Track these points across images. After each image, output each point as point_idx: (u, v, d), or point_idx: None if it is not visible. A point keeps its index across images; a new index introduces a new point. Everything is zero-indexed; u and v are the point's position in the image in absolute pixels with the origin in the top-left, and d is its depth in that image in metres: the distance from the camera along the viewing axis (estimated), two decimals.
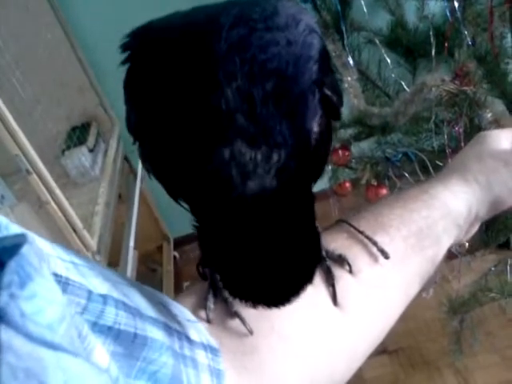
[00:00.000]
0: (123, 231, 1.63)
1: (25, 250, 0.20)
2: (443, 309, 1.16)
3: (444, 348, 1.31)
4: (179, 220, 1.51)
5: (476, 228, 0.53)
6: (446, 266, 1.20)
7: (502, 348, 1.44)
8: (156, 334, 0.30)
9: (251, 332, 0.37)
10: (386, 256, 0.42)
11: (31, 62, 1.49)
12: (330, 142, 0.43)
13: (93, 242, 1.35)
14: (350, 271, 0.41)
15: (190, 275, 2.05)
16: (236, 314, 0.37)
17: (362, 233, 0.43)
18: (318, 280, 0.40)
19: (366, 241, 0.43)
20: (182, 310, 0.37)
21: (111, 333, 0.27)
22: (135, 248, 1.56)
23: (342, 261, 0.41)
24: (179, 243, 2.23)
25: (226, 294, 0.39)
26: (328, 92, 0.38)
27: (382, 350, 1.54)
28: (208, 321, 0.38)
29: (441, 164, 1.02)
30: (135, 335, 0.28)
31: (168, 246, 2.21)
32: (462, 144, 0.90)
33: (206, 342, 0.35)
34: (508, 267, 1.14)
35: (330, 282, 0.40)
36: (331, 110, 0.39)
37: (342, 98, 0.42)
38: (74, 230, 1.31)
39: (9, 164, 1.36)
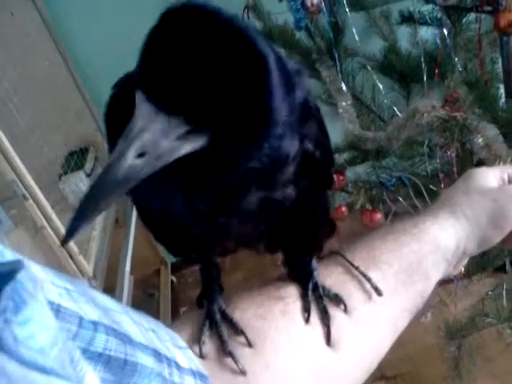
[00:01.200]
0: (119, 257, 1.62)
1: (20, 275, 0.21)
2: (441, 333, 1.15)
3: (443, 373, 1.29)
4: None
5: (464, 263, 0.54)
6: (443, 290, 1.19)
7: (500, 374, 1.42)
8: (146, 360, 0.30)
9: (244, 372, 0.37)
10: (379, 293, 0.43)
11: (29, 88, 1.51)
12: (317, 203, 0.43)
13: (89, 268, 1.35)
14: (345, 311, 0.42)
15: (187, 300, 2.03)
16: (230, 354, 0.38)
17: (356, 268, 0.44)
18: (314, 319, 0.40)
19: (360, 277, 0.44)
20: (173, 336, 0.37)
21: (101, 359, 0.27)
22: (131, 273, 1.55)
23: (338, 301, 0.42)
24: (177, 267, 2.22)
25: (222, 329, 0.40)
26: (309, 146, 0.37)
27: (380, 376, 1.52)
28: (201, 356, 0.38)
29: (434, 188, 1.02)
30: (125, 361, 0.28)
31: (165, 270, 2.20)
32: (455, 169, 0.91)
33: (195, 368, 0.35)
34: (504, 291, 1.14)
35: (326, 322, 0.41)
36: (316, 167, 0.39)
37: (330, 157, 0.42)
38: (70, 256, 1.31)
39: (5, 189, 1.37)
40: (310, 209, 0.42)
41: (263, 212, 0.37)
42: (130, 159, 0.27)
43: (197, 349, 0.38)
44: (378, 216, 1.13)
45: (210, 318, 0.41)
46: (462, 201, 0.51)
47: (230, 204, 0.36)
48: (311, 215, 0.43)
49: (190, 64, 0.28)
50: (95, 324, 0.28)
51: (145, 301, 2.05)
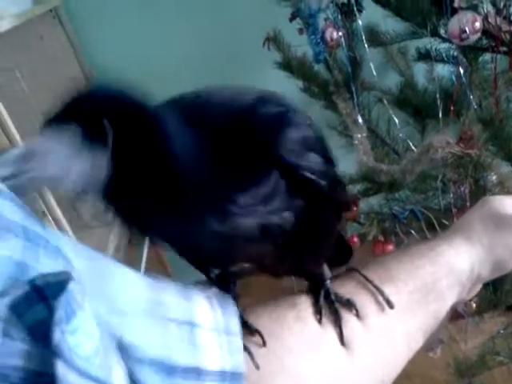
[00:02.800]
0: None
1: (71, 286, 0.22)
2: (450, 370, 1.14)
3: None
4: (187, 266, 1.52)
5: (478, 288, 0.54)
6: (453, 326, 1.18)
7: None
8: None
9: (258, 367, 0.38)
10: (391, 306, 0.44)
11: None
12: (320, 228, 0.44)
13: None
14: (357, 315, 0.43)
15: None
16: (245, 348, 0.39)
17: (370, 282, 0.45)
18: (326, 321, 0.42)
19: (373, 290, 0.45)
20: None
21: None
22: None
23: (349, 305, 0.43)
24: None
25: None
26: (308, 175, 0.39)
27: None
28: None
29: (447, 223, 1.03)
30: None
31: None
32: (468, 204, 0.92)
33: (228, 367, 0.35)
34: None
35: (338, 323, 0.42)
36: (316, 193, 0.41)
37: (335, 185, 0.43)
38: None
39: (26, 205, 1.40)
40: (313, 229, 0.43)
41: (264, 235, 0.39)
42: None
43: None
44: (390, 248, 1.13)
45: None
46: (477, 227, 0.52)
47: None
48: (315, 234, 0.44)
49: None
50: None
51: None
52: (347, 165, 1.18)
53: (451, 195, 1.00)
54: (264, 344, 0.39)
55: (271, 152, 0.37)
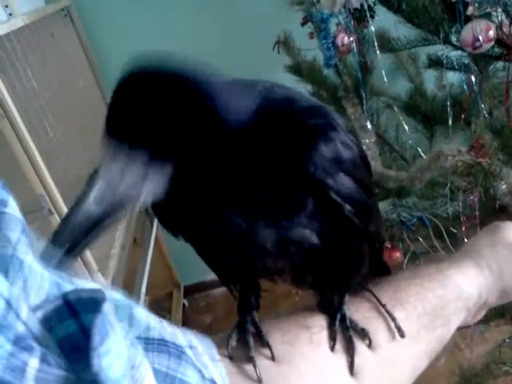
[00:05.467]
0: (135, 276, 1.64)
1: (106, 307, 0.22)
2: (455, 379, 1.13)
3: None
4: (191, 267, 1.52)
5: (483, 313, 0.55)
6: (458, 334, 1.18)
7: None
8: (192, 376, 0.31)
9: (260, 380, 0.38)
10: (401, 334, 0.44)
11: (63, 107, 1.57)
12: (346, 251, 0.44)
13: (106, 285, 1.36)
14: (370, 346, 0.43)
15: (198, 324, 2.03)
16: (251, 359, 0.39)
17: (383, 306, 0.45)
18: (339, 348, 0.41)
19: (386, 315, 0.45)
20: (210, 346, 0.38)
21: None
22: (146, 294, 1.56)
23: (364, 335, 0.43)
24: (189, 291, 2.22)
25: (250, 337, 0.41)
26: (335, 197, 0.39)
27: None
28: (230, 357, 0.39)
29: (455, 231, 1.03)
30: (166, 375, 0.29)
31: (178, 293, 2.20)
32: (477, 213, 0.91)
33: None
34: None
35: (350, 352, 0.42)
36: (342, 218, 0.40)
37: (366, 215, 0.42)
38: (89, 272, 1.33)
39: (32, 202, 1.40)
40: (337, 255, 0.43)
41: (281, 249, 0.39)
42: (91, 205, 0.30)
43: (224, 351, 0.39)
44: (397, 254, 1.13)
45: (241, 326, 0.42)
46: (487, 253, 0.53)
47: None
48: (339, 261, 0.44)
49: (143, 106, 0.32)
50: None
51: None
52: None
53: (460, 203, 0.99)
54: (273, 358, 0.39)
55: (300, 163, 0.37)
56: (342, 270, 0.45)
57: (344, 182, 0.39)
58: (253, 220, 0.37)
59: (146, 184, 0.32)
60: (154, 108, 0.32)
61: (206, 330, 0.40)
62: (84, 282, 0.27)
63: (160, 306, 2.15)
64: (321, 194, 0.38)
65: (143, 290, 1.52)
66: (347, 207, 0.39)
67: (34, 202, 1.31)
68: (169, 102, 0.33)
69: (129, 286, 1.56)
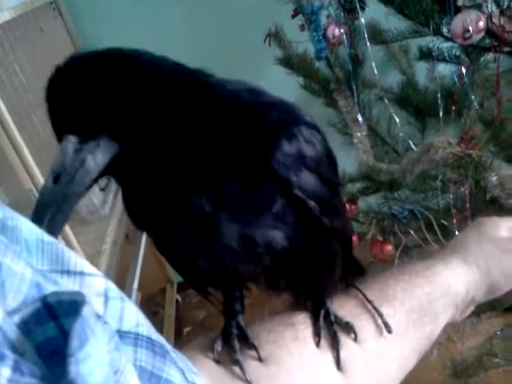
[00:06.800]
0: (127, 272, 1.63)
1: (85, 311, 0.22)
2: (447, 371, 1.13)
3: None
4: None
5: (471, 310, 0.55)
6: (450, 327, 1.18)
7: None
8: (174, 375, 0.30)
9: (250, 381, 0.38)
10: (389, 330, 0.44)
11: None
12: (318, 251, 0.43)
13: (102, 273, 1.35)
14: (355, 339, 0.42)
15: (191, 320, 2.02)
16: (237, 362, 0.39)
17: (370, 302, 0.45)
18: (325, 344, 0.41)
19: (372, 311, 0.45)
20: (186, 361, 0.37)
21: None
22: (139, 290, 1.56)
23: (349, 328, 0.43)
24: (183, 287, 2.22)
25: (235, 341, 0.41)
26: (299, 194, 0.38)
27: None
28: (216, 361, 0.39)
29: (446, 223, 1.02)
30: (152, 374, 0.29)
31: (171, 288, 2.20)
32: (468, 205, 0.91)
33: None
34: None
35: (335, 347, 0.41)
36: (309, 217, 0.39)
37: (334, 210, 0.42)
38: None
39: (23, 198, 1.39)
40: (309, 257, 0.42)
41: (249, 251, 0.38)
42: (49, 183, 0.35)
43: (211, 355, 0.39)
44: (389, 247, 1.13)
45: (226, 331, 0.42)
46: (474, 249, 0.53)
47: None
48: (311, 263, 0.43)
49: (76, 89, 0.36)
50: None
51: (149, 319, 2.05)
52: (346, 163, 1.18)
53: (451, 195, 0.99)
54: (260, 359, 0.39)
55: (263, 159, 0.36)
56: (315, 272, 0.44)
57: (308, 178, 0.38)
58: (217, 207, 0.36)
59: (92, 160, 0.36)
60: (87, 89, 0.36)
61: (199, 326, 0.39)
62: (84, 265, 0.27)
63: (153, 302, 2.15)
64: (286, 191, 0.38)
65: (135, 286, 1.51)
66: (311, 203, 0.39)
67: (23, 197, 1.30)
68: (102, 79, 0.36)
69: (121, 282, 1.55)
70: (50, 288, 0.24)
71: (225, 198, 0.36)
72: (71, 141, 0.36)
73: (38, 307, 0.22)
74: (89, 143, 0.35)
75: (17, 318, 0.22)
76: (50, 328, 0.22)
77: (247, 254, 0.39)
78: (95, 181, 0.37)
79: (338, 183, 0.46)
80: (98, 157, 0.36)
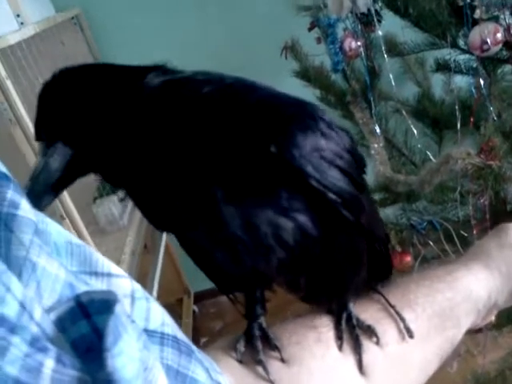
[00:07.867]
0: (145, 282, 1.64)
1: (118, 309, 0.23)
2: None
3: None
4: (201, 274, 1.52)
5: (493, 315, 0.55)
6: (471, 340, 1.17)
7: None
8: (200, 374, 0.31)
9: (272, 382, 0.38)
10: (410, 335, 0.44)
11: None
12: (340, 249, 0.43)
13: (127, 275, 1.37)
14: (378, 343, 0.42)
15: (208, 330, 2.02)
16: (260, 362, 0.39)
17: (392, 307, 0.45)
18: (347, 347, 0.41)
19: (395, 316, 0.44)
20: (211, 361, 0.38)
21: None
22: (157, 300, 1.57)
23: (370, 332, 0.43)
24: (199, 297, 2.22)
25: (258, 342, 0.41)
26: (315, 184, 0.37)
27: None
28: (239, 361, 0.39)
29: (465, 234, 1.02)
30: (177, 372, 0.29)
31: (188, 299, 2.20)
32: (488, 216, 0.91)
33: None
34: None
35: (358, 350, 0.41)
36: (330, 210, 0.39)
37: (358, 206, 0.41)
38: None
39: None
40: (330, 252, 0.42)
41: (257, 241, 0.38)
42: (27, 183, 0.41)
43: (233, 355, 0.39)
44: (408, 258, 1.12)
45: (248, 332, 0.42)
46: (495, 255, 0.53)
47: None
48: (333, 259, 0.43)
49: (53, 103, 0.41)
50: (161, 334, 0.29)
51: None
52: None
53: (470, 207, 0.99)
54: (282, 360, 0.39)
55: (276, 150, 0.36)
56: (337, 270, 0.44)
57: (326, 170, 0.38)
58: (221, 196, 0.37)
59: (52, 163, 0.41)
60: (48, 101, 0.41)
61: (216, 336, 0.40)
62: (110, 266, 0.28)
63: (170, 313, 2.14)
64: (301, 183, 0.37)
65: (154, 295, 1.52)
66: (331, 196, 0.38)
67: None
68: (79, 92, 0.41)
69: None
70: (82, 288, 0.25)
71: (229, 187, 0.37)
72: (41, 146, 0.42)
73: (71, 306, 0.23)
74: (50, 148, 0.41)
75: (52, 316, 0.23)
76: (83, 326, 0.23)
77: (256, 244, 0.38)
78: (64, 184, 0.42)
79: (365, 183, 0.45)
80: (55, 160, 0.40)
